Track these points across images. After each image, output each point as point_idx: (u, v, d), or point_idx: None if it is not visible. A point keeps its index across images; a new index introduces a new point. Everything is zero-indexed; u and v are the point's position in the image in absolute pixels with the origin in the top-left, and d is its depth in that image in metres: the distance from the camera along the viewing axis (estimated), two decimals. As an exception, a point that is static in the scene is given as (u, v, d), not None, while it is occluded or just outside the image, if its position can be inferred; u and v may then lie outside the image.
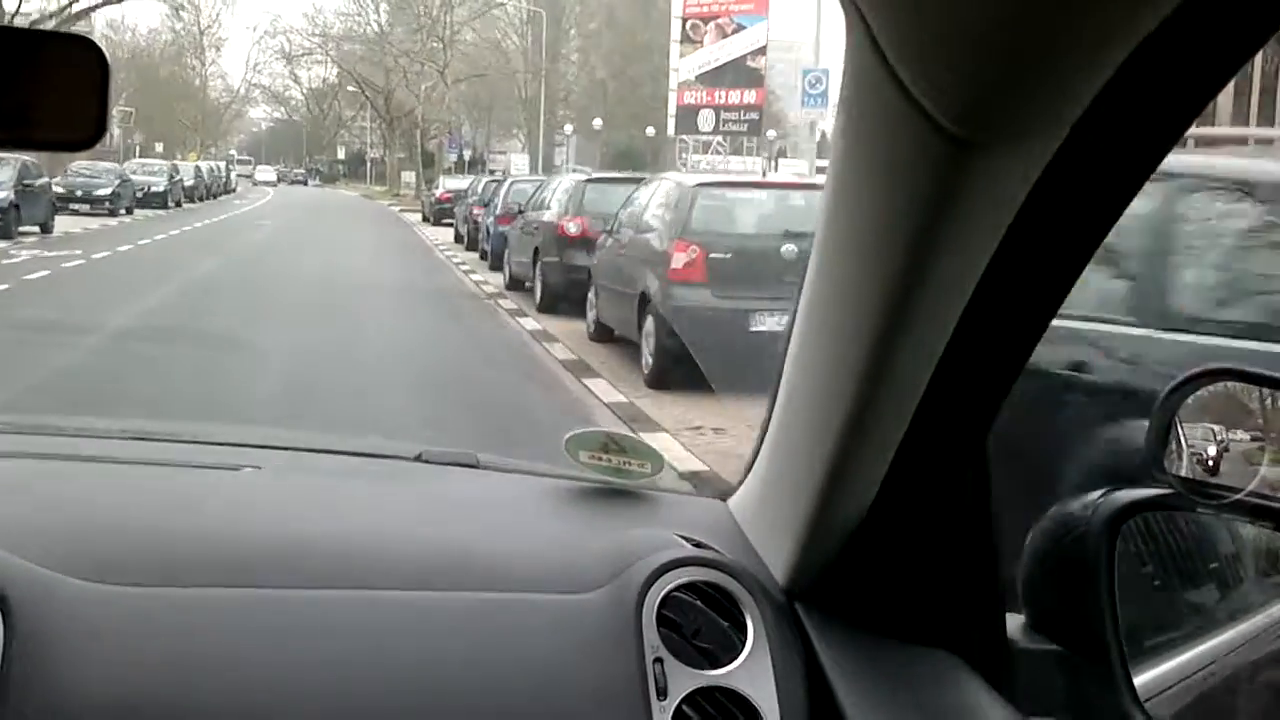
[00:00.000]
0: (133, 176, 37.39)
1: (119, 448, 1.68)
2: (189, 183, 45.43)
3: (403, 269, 22.00)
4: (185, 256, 21.23)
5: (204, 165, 54.37)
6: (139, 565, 1.23)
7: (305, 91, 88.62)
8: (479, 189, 27.56)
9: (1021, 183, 0.91)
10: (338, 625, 1.20)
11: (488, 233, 22.05)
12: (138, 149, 60.53)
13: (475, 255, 24.11)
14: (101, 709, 1.10)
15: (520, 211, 18.00)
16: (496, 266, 19.85)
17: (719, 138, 45.02)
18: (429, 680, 1.18)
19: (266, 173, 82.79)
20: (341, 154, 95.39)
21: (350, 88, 78.57)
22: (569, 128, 61.98)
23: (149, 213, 35.06)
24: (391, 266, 22.36)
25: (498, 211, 20.90)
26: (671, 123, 47.57)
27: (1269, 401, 1.33)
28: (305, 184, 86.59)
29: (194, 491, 1.51)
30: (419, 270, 22.03)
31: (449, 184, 38.35)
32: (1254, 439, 1.31)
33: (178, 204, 40.83)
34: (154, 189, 38.80)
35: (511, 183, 23.40)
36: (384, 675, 1.17)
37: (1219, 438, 1.30)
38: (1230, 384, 1.33)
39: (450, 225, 31.83)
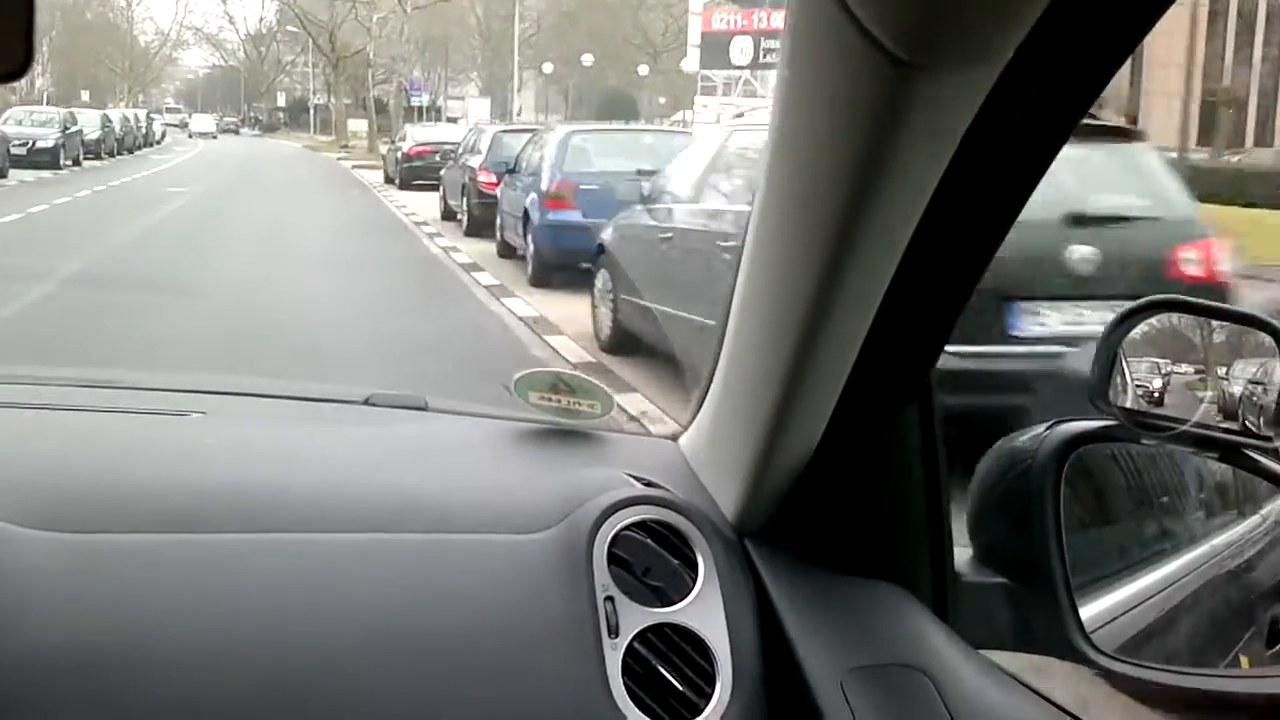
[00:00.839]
0: (8, 129, 29.61)
1: (63, 394, 1.65)
2: (92, 135, 36.09)
3: (389, 284, 12.71)
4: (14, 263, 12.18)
5: (115, 114, 44.51)
6: (86, 513, 1.21)
7: (242, 34, 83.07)
8: (482, 145, 18.52)
9: (968, 106, 0.90)
10: (288, 570, 1.20)
11: (525, 221, 12.94)
12: (45, 96, 54.93)
13: (491, 249, 15.01)
14: (50, 657, 1.09)
15: (648, 199, 9.09)
16: (544, 280, 12.22)
17: (747, 73, 34.54)
18: (379, 623, 1.17)
19: (203, 122, 73.05)
20: (282, 101, 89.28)
21: (290, 27, 71.21)
22: (548, 67, 54.39)
23: (31, 175, 26.72)
24: (368, 281, 12.72)
25: (547, 187, 12.38)
26: (694, 55, 37.13)
27: (1210, 332, 1.34)
28: (236, 132, 78.51)
29: (141, 438, 1.49)
30: (419, 288, 12.70)
31: (420, 135, 29.72)
32: (1196, 370, 1.32)
33: (75, 162, 32.54)
34: (40, 144, 30.54)
35: (569, 136, 13.56)
36: (334, 618, 1.16)
37: (1162, 369, 1.31)
38: (1173, 315, 1.34)
39: (426, 189, 23.60)
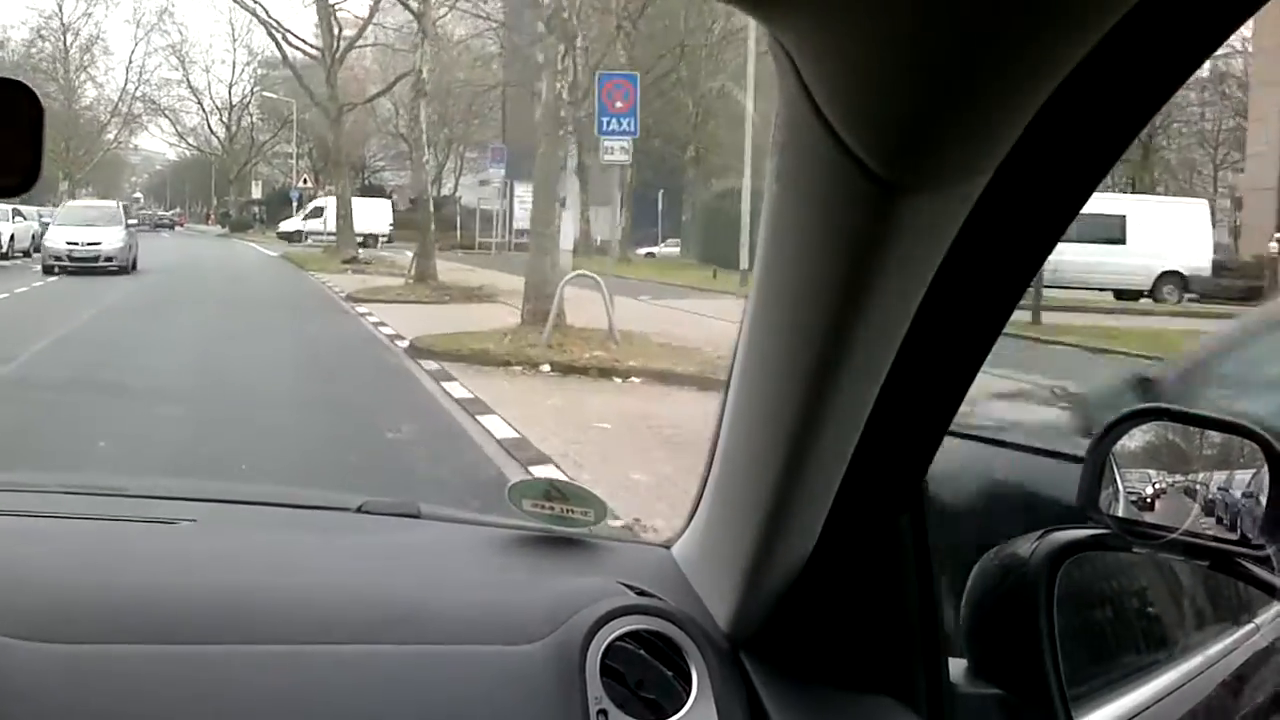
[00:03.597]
0: None
1: (52, 502, 1.64)
2: None
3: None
4: None
5: None
6: (74, 623, 1.20)
7: (208, 105, 62.62)
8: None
9: (950, 225, 0.92)
10: (279, 682, 1.18)
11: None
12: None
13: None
14: None
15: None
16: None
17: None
18: None
19: (76, 223, 27.68)
20: (258, 192, 67.56)
21: (268, 93, 56.36)
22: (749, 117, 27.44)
23: None
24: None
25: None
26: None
27: (1199, 441, 1.35)
28: (172, 227, 58.88)
29: (130, 546, 1.48)
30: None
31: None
32: (1186, 478, 1.33)
33: None
34: None
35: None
36: None
37: (1153, 477, 1.32)
38: (1162, 423, 1.35)
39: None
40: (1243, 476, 1.29)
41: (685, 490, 1.58)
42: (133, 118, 60.85)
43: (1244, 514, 1.28)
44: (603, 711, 1.18)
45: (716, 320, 14.53)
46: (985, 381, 1.19)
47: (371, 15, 38.39)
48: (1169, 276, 24.96)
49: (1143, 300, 24.31)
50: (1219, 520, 1.29)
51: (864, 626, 1.27)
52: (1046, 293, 16.00)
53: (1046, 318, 15.42)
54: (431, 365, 12.66)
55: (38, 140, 1.07)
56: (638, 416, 10.03)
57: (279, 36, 38.98)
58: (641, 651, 1.24)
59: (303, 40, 39.28)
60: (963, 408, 1.16)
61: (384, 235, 45.48)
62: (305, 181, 50.95)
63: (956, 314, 1.04)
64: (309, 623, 1.26)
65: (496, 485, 6.25)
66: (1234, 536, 1.28)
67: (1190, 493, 1.31)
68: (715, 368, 9.91)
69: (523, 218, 34.16)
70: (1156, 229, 24.55)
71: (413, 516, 1.64)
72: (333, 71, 36.86)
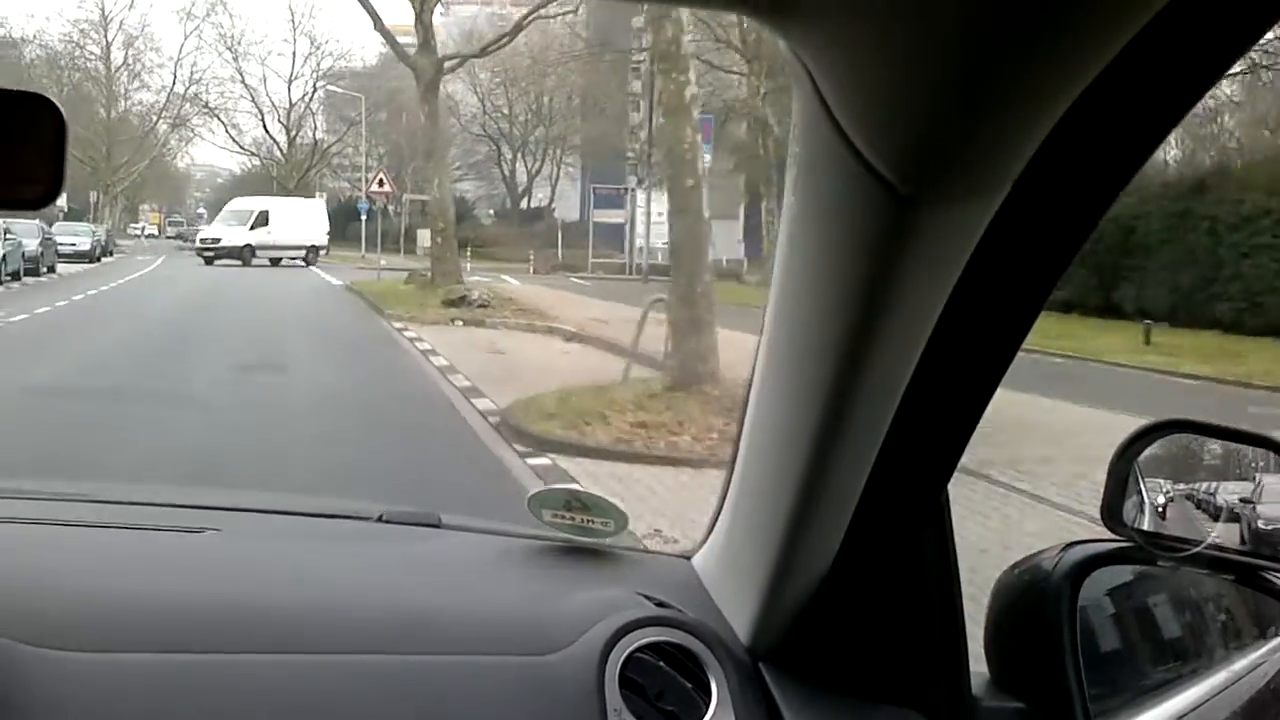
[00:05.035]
0: None
1: (77, 510, 1.65)
2: None
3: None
4: None
5: None
6: (99, 631, 1.21)
7: (264, 104, 54.34)
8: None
9: (969, 237, 0.92)
10: (301, 691, 1.19)
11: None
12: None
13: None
14: None
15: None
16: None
17: None
18: None
19: None
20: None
21: (334, 87, 48.96)
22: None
23: None
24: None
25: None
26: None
27: (1223, 454, 1.33)
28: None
29: (154, 555, 1.49)
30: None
31: None
32: (1211, 490, 1.31)
33: None
34: None
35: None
36: None
37: (1177, 490, 1.30)
38: (1186, 435, 1.33)
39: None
40: (1269, 488, 1.27)
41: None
42: (181, 120, 53.16)
43: (1270, 527, 1.26)
44: None
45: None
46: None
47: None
48: None
49: None
50: (1244, 533, 1.27)
51: (885, 639, 1.26)
52: None
53: None
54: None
55: (60, 154, 1.07)
56: None
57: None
58: (661, 663, 1.24)
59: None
60: None
61: (322, 247, 40.57)
62: (381, 184, 34.23)
63: (976, 326, 1.04)
64: (330, 632, 1.27)
65: None
66: (1260, 550, 1.26)
67: (1215, 505, 1.29)
68: None
69: (655, 235, 27.70)
70: None
71: (433, 526, 1.64)
72: (426, 10, 24.65)
